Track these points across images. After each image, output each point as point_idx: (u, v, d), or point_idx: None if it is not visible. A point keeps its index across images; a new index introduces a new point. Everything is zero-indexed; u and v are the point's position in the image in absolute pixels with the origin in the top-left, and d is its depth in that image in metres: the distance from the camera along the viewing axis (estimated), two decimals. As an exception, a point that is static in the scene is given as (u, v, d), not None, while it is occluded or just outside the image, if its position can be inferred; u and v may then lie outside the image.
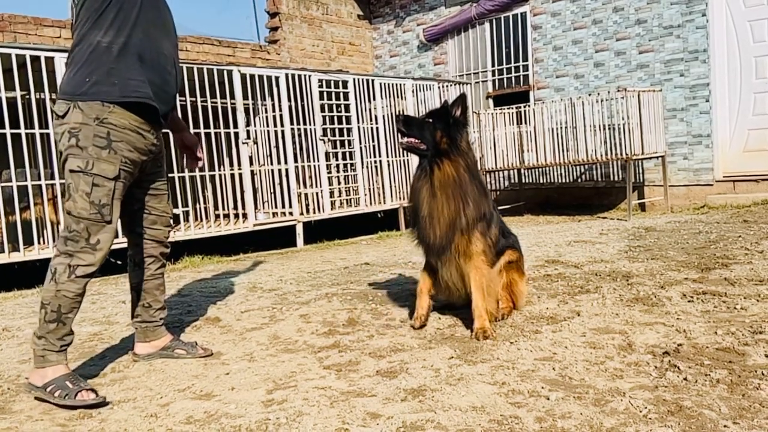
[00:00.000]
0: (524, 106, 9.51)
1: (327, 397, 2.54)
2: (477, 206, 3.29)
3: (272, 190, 8.58)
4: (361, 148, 8.96)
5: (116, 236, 2.90)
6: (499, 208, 9.78)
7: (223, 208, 8.48)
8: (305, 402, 2.50)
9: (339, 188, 8.94)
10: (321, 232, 8.63)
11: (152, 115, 2.88)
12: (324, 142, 8.47)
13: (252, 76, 7.81)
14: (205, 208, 8.72)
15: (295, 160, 8.25)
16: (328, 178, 8.58)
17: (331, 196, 8.64)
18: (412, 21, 11.88)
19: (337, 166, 9.05)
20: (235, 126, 7.68)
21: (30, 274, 6.20)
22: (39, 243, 6.20)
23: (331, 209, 8.58)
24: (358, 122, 8.90)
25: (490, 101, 11.07)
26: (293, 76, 8.20)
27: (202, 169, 7.67)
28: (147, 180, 3.08)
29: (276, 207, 8.47)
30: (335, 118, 8.74)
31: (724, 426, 2.02)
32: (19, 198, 6.04)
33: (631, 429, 2.05)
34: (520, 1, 10.42)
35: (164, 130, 3.12)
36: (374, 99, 9.13)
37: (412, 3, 11.80)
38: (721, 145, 8.75)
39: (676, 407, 2.18)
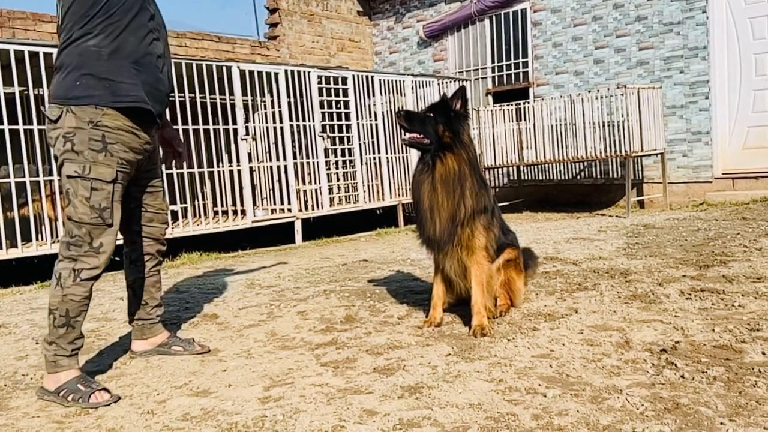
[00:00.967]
0: (524, 103, 9.50)
1: (324, 394, 2.54)
2: (478, 199, 3.29)
3: (271, 187, 8.57)
4: (360, 144, 8.95)
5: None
6: (499, 204, 9.81)
7: (222, 205, 8.47)
8: (302, 399, 2.50)
9: (338, 185, 8.93)
10: (320, 228, 8.63)
11: (146, 116, 2.87)
12: (323, 139, 8.46)
13: (251, 73, 7.81)
14: (204, 205, 8.71)
15: (294, 157, 8.24)
16: (327, 174, 8.57)
17: (329, 193, 8.63)
18: (411, 17, 11.86)
19: (336, 162, 9.04)
20: (234, 122, 7.67)
21: (28, 271, 6.21)
22: (37, 239, 6.19)
23: (330, 206, 8.58)
24: (358, 119, 8.89)
25: (490, 98, 11.06)
26: (292, 72, 8.18)
27: (201, 166, 7.67)
28: (143, 178, 3.08)
29: (275, 204, 8.47)
30: (334, 114, 8.73)
31: (721, 423, 2.02)
32: (18, 194, 6.04)
33: (627, 426, 2.04)
34: (520, -3, 10.41)
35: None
36: (374, 95, 9.11)
37: (412, -1, 11.78)
38: (720, 143, 8.74)
39: (673, 404, 2.17)
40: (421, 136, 3.32)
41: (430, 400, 2.38)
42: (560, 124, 8.86)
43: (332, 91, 8.63)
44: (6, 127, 5.90)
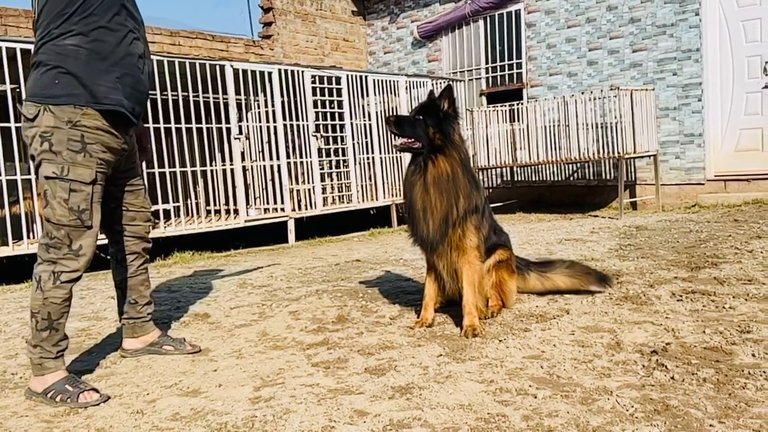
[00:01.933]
0: (517, 104, 9.51)
1: (314, 394, 2.54)
2: (469, 199, 3.29)
3: (264, 186, 8.55)
4: (353, 144, 8.94)
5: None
6: (492, 205, 9.79)
7: (215, 204, 8.45)
8: (292, 399, 2.50)
9: (331, 185, 8.92)
10: (313, 228, 8.62)
11: (124, 118, 2.83)
12: (317, 139, 8.45)
13: (245, 71, 7.79)
14: (197, 204, 8.68)
15: (288, 156, 8.23)
16: (321, 174, 8.55)
17: (323, 193, 8.62)
18: (406, 17, 11.86)
19: (330, 162, 9.03)
20: (228, 121, 7.65)
21: (18, 269, 6.17)
22: (28, 237, 6.16)
23: (323, 206, 8.57)
24: (351, 118, 8.88)
25: (484, 99, 11.07)
26: (286, 71, 8.17)
27: (194, 165, 7.64)
28: (122, 177, 3.04)
29: (268, 203, 8.45)
30: (328, 114, 8.72)
31: (710, 425, 2.02)
32: (9, 192, 6.00)
33: (617, 428, 2.05)
34: (514, -2, 10.42)
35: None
36: (367, 95, 9.11)
37: (407, -1, 11.79)
38: (712, 145, 8.77)
39: (663, 406, 2.18)
40: (413, 140, 3.31)
41: (420, 401, 2.37)
42: (554, 126, 8.87)
43: (326, 90, 8.62)
44: (-3, 124, 5.87)
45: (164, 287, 5.17)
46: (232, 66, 7.56)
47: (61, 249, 2.70)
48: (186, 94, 7.14)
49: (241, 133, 7.82)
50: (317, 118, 8.51)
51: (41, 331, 2.70)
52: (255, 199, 8.69)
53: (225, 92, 7.55)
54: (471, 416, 2.22)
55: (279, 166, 8.12)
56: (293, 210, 8.21)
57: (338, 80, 8.75)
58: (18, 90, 6.16)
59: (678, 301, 3.61)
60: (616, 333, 3.08)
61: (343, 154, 8.99)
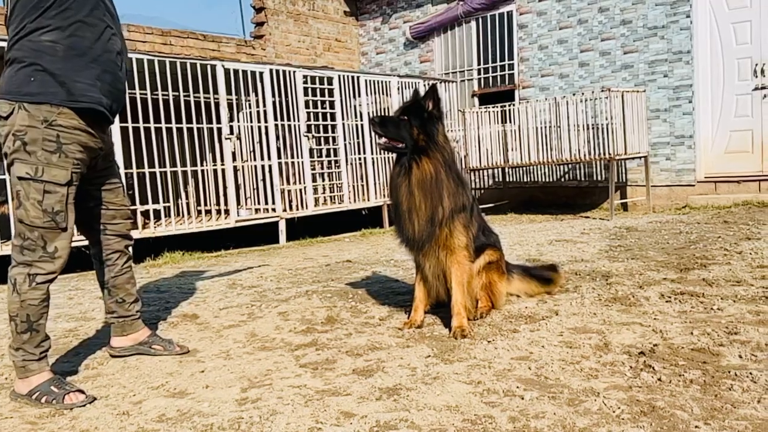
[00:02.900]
0: (509, 105, 9.53)
1: (302, 395, 2.53)
2: (455, 199, 3.29)
3: (255, 187, 8.53)
4: (345, 144, 8.93)
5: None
6: (484, 206, 9.83)
7: (205, 204, 8.42)
8: (279, 401, 2.49)
9: (323, 185, 8.90)
10: (304, 229, 8.60)
11: (101, 116, 2.80)
12: (308, 139, 8.43)
13: (236, 71, 7.76)
14: (187, 204, 8.66)
15: (279, 157, 8.21)
16: (312, 174, 8.54)
17: (314, 193, 8.60)
18: (398, 18, 11.86)
19: (321, 162, 9.01)
20: (219, 121, 7.63)
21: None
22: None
23: (315, 206, 8.55)
24: (343, 119, 8.87)
25: (476, 100, 11.08)
26: (278, 71, 8.15)
27: (184, 165, 7.62)
28: (100, 176, 3.00)
29: (259, 203, 8.43)
30: (320, 114, 8.70)
31: (696, 427, 2.02)
32: (-3, 192, 5.97)
33: (603, 429, 2.04)
34: (507, -1, 10.44)
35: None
36: (359, 96, 9.10)
37: (399, 0, 11.77)
38: (703, 146, 8.81)
39: (649, 408, 2.18)
40: (396, 140, 3.30)
41: (407, 402, 2.37)
42: (545, 127, 8.89)
43: (318, 91, 8.60)
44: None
45: (153, 287, 5.15)
46: (223, 66, 7.53)
47: (35, 251, 2.66)
48: (177, 93, 7.11)
49: (232, 133, 7.80)
50: (309, 119, 8.49)
51: (22, 334, 2.67)
52: (246, 199, 8.67)
53: (216, 92, 7.53)
54: (458, 417, 2.21)
55: (270, 166, 8.09)
56: (284, 210, 8.18)
57: (330, 80, 8.74)
58: None
59: (667, 302, 3.62)
60: (604, 334, 3.08)
61: (335, 155, 8.98)
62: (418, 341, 3.21)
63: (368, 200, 9.20)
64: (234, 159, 7.86)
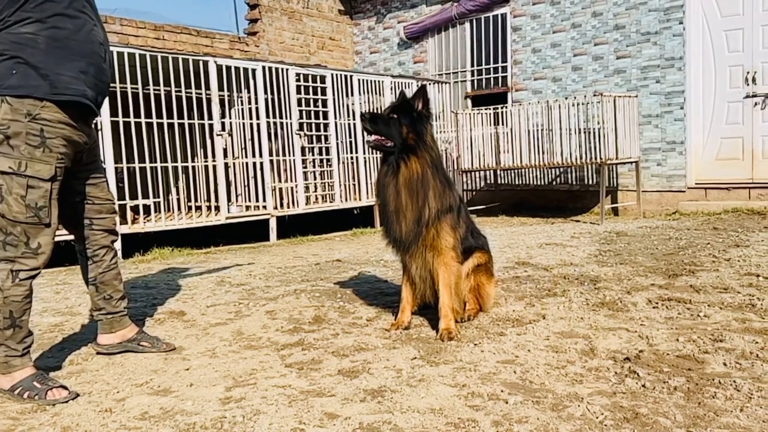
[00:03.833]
0: (502, 108, 9.54)
1: (286, 395, 2.52)
2: (442, 199, 3.28)
3: (246, 184, 8.50)
4: (337, 143, 8.91)
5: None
6: (475, 208, 9.86)
7: (196, 200, 8.39)
8: (263, 400, 2.47)
9: (314, 183, 8.88)
10: (295, 227, 8.59)
11: (86, 109, 2.77)
12: (300, 137, 8.41)
13: (228, 68, 7.74)
14: (178, 200, 8.62)
15: (271, 154, 8.19)
16: (304, 173, 8.52)
17: (306, 191, 8.58)
18: (393, 18, 11.85)
19: (313, 161, 9.00)
20: (210, 117, 7.60)
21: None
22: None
23: (306, 204, 8.54)
24: (336, 118, 8.86)
25: (469, 101, 11.08)
26: (270, 69, 8.13)
27: (175, 160, 7.59)
28: (85, 171, 2.97)
29: (250, 201, 8.40)
30: (312, 112, 8.68)
31: (678, 434, 2.03)
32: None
33: (586, 435, 2.05)
34: (501, 2, 10.44)
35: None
36: (352, 95, 9.08)
37: (394, 0, 11.77)
38: (694, 153, 8.84)
39: (632, 414, 2.18)
40: (385, 138, 3.29)
41: (391, 404, 2.36)
42: (537, 130, 8.90)
43: (310, 89, 8.58)
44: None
45: (141, 283, 5.12)
46: (215, 62, 7.51)
47: (18, 247, 2.62)
48: (168, 89, 7.07)
49: (223, 129, 7.77)
50: (301, 117, 8.48)
51: (4, 330, 2.64)
52: (237, 196, 8.64)
53: (208, 88, 7.50)
54: (441, 421, 2.21)
55: (262, 163, 8.07)
56: (275, 208, 8.17)
57: (323, 79, 8.72)
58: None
59: (654, 308, 3.63)
60: (590, 339, 3.09)
61: (327, 153, 8.96)
62: (405, 343, 3.21)
63: (360, 199, 9.19)
64: (225, 156, 7.83)
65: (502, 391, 2.46)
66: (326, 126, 8.82)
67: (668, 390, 2.39)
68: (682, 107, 8.81)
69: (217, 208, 7.78)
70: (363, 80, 9.29)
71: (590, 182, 9.63)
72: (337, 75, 8.89)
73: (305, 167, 8.66)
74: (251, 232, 8.13)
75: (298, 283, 4.91)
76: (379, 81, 9.54)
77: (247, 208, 8.35)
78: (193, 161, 8.04)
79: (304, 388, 2.60)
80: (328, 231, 8.67)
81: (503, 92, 10.62)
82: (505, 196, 10.44)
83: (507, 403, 2.34)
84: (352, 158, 9.16)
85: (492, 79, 10.82)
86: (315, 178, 8.89)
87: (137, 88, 6.90)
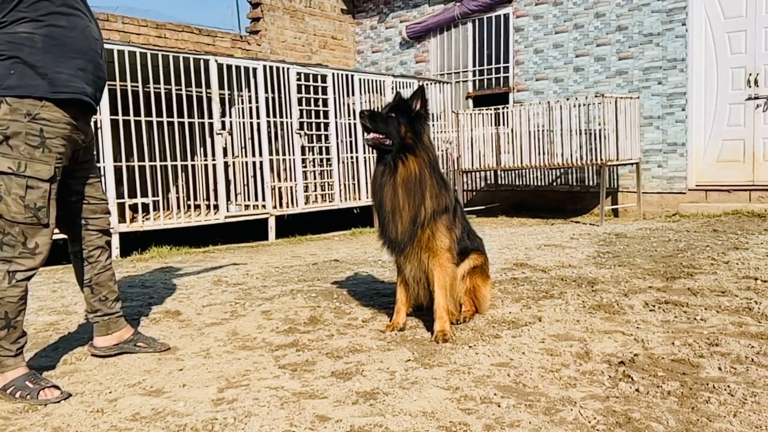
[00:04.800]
0: (503, 108, 9.52)
1: (278, 397, 2.51)
2: (438, 200, 3.26)
3: (246, 183, 8.49)
4: (337, 143, 8.90)
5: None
6: (475, 208, 9.84)
7: (195, 199, 8.38)
8: (255, 402, 2.47)
9: (314, 183, 8.87)
10: (294, 226, 8.58)
11: (85, 107, 2.76)
12: (300, 136, 8.40)
13: (229, 67, 7.73)
14: (177, 198, 8.62)
15: (270, 153, 8.18)
16: (303, 172, 8.51)
17: (305, 191, 8.57)
18: (395, 17, 11.83)
19: (313, 160, 8.98)
20: (210, 116, 7.59)
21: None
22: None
23: (305, 204, 8.52)
24: (336, 117, 8.84)
25: (470, 101, 11.07)
26: (271, 68, 8.11)
27: (174, 159, 7.58)
28: (81, 169, 2.96)
29: (249, 200, 8.39)
30: (313, 112, 8.67)
31: (670, 440, 2.01)
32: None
33: (578, 440, 2.04)
34: (504, 2, 10.42)
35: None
36: (353, 94, 9.07)
37: (396, -1, 11.76)
38: (695, 154, 8.82)
39: (625, 419, 2.17)
40: (383, 136, 3.28)
41: (383, 407, 2.35)
42: (538, 130, 8.88)
43: (311, 88, 8.57)
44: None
45: (138, 282, 5.12)
46: (216, 61, 7.50)
47: (15, 247, 2.61)
48: (169, 87, 7.07)
49: (223, 128, 7.76)
50: (301, 116, 8.46)
51: None
52: (236, 195, 8.63)
53: (209, 87, 7.49)
54: (433, 424, 2.20)
55: (261, 162, 8.06)
56: (274, 207, 8.16)
57: (324, 78, 8.71)
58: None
59: (651, 311, 3.61)
60: (586, 342, 3.07)
61: (327, 153, 8.95)
62: (400, 344, 3.19)
63: (359, 199, 9.18)
64: (225, 154, 7.82)
65: (495, 394, 2.44)
66: (327, 125, 8.80)
67: (662, 394, 2.38)
68: (684, 109, 8.79)
69: (216, 207, 7.77)
70: (364, 80, 9.27)
71: (591, 183, 9.61)
72: (338, 74, 8.88)
73: (305, 167, 8.64)
74: (250, 232, 8.12)
75: (295, 283, 4.90)
76: (380, 81, 9.52)
77: (246, 207, 8.34)
78: (192, 160, 8.03)
79: (296, 390, 2.59)
80: (327, 230, 8.65)
81: (505, 92, 10.60)
82: (505, 197, 10.42)
83: (499, 406, 2.32)
84: (352, 158, 9.15)
85: (494, 80, 10.80)
86: (315, 178, 8.88)
87: (137, 86, 6.89)
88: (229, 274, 5.39)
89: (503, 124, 9.39)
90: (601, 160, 8.20)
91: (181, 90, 7.21)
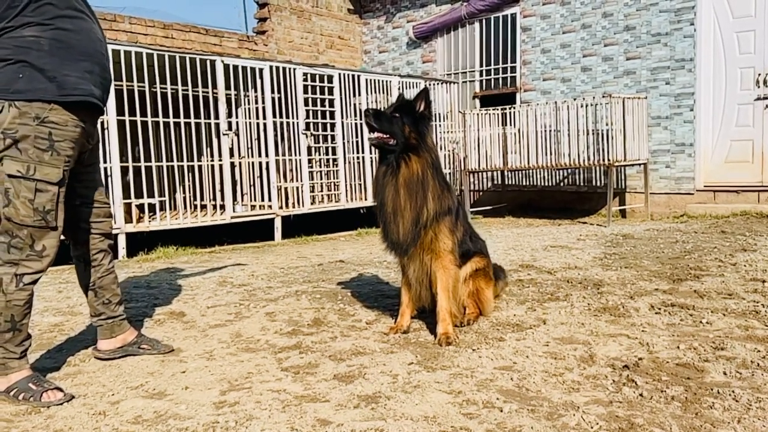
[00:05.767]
0: (510, 108, 9.49)
1: (280, 401, 2.50)
2: (441, 201, 3.25)
3: (252, 183, 8.50)
4: (343, 143, 8.89)
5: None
6: (482, 209, 9.82)
7: (201, 199, 8.39)
8: (257, 405, 2.46)
9: (320, 183, 8.87)
10: (300, 226, 8.57)
11: (93, 108, 2.77)
12: (306, 136, 8.40)
13: (236, 67, 7.73)
14: (183, 199, 8.63)
15: (277, 154, 8.18)
16: (309, 172, 8.51)
17: (311, 191, 8.57)
18: (402, 17, 11.82)
19: (319, 160, 8.98)
20: (217, 117, 7.60)
21: None
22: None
23: (311, 204, 8.52)
24: (342, 117, 8.84)
25: (477, 101, 11.04)
26: (278, 68, 8.11)
27: (180, 159, 7.59)
28: (86, 172, 2.96)
29: (255, 200, 8.40)
30: (319, 112, 8.67)
31: (674, 446, 2.00)
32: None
33: (580, 446, 2.02)
34: (511, 2, 10.38)
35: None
36: (359, 95, 9.06)
37: (403, -1, 11.74)
38: (703, 155, 8.76)
39: (628, 424, 2.15)
40: (388, 136, 3.27)
41: (385, 411, 2.34)
42: (546, 131, 8.84)
43: (318, 88, 8.57)
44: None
45: (144, 283, 5.13)
46: (222, 61, 7.50)
47: (23, 250, 2.62)
48: (176, 87, 7.08)
49: (229, 128, 7.77)
50: (308, 116, 8.46)
51: (4, 333, 2.64)
52: (242, 195, 8.63)
53: (215, 87, 7.50)
54: (434, 429, 2.18)
55: (267, 163, 8.07)
56: (281, 208, 8.16)
57: (330, 79, 8.70)
58: None
59: (656, 314, 3.59)
60: (590, 345, 3.05)
61: (333, 153, 8.94)
62: (403, 347, 3.18)
63: (365, 199, 9.17)
64: (231, 155, 7.83)
65: (497, 398, 2.43)
66: (333, 126, 8.80)
67: (665, 399, 2.36)
68: (692, 109, 8.73)
69: (223, 207, 7.78)
70: (370, 80, 9.26)
71: (598, 184, 9.57)
72: (344, 75, 8.87)
73: (311, 167, 8.64)
74: (256, 232, 8.13)
75: (300, 284, 4.90)
76: (386, 81, 9.51)
77: (253, 207, 8.34)
78: (199, 160, 8.04)
79: (298, 393, 2.58)
80: (334, 231, 8.65)
81: (512, 93, 10.57)
82: (512, 197, 10.39)
83: (502, 411, 2.31)
84: (358, 158, 9.14)
85: (501, 80, 10.77)
86: (321, 178, 8.88)
87: (144, 87, 6.90)
88: (234, 274, 5.39)
89: (510, 124, 9.36)
90: (609, 160, 8.16)
91: (187, 90, 7.21)
